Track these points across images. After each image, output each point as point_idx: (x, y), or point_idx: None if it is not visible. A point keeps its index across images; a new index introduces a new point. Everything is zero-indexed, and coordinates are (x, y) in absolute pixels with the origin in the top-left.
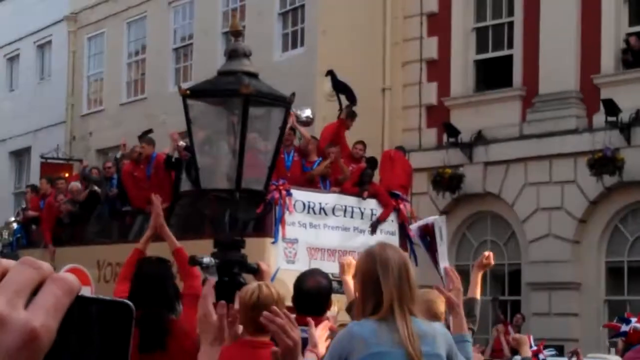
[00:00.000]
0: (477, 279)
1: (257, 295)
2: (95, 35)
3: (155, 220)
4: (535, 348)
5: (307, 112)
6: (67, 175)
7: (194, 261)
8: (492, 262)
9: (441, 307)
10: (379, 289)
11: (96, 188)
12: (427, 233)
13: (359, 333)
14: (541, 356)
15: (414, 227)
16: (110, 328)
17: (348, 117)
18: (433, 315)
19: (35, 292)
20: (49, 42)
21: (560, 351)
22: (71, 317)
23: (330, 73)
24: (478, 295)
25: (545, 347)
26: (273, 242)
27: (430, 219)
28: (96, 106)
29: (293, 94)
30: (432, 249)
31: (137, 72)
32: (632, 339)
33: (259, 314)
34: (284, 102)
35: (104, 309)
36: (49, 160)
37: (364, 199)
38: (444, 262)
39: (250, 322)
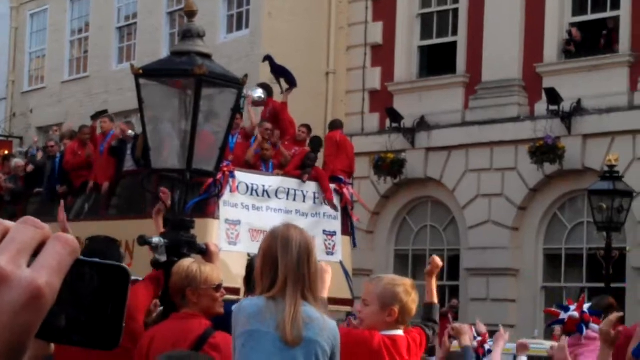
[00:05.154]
0: (431, 285)
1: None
2: (38, 11)
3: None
4: (480, 338)
5: (258, 92)
6: (6, 152)
7: (144, 241)
8: (439, 263)
9: (410, 305)
10: (277, 267)
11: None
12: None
13: (245, 308)
14: (487, 346)
15: None
16: (105, 291)
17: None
18: (389, 304)
19: (36, 252)
20: None
21: None
22: (66, 277)
23: (267, 58)
24: (436, 300)
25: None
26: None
27: None
28: (37, 83)
29: (246, 76)
30: None
31: (79, 50)
32: (569, 327)
33: (189, 289)
34: (237, 84)
35: (99, 272)
36: None
37: (303, 182)
38: None
39: (182, 296)
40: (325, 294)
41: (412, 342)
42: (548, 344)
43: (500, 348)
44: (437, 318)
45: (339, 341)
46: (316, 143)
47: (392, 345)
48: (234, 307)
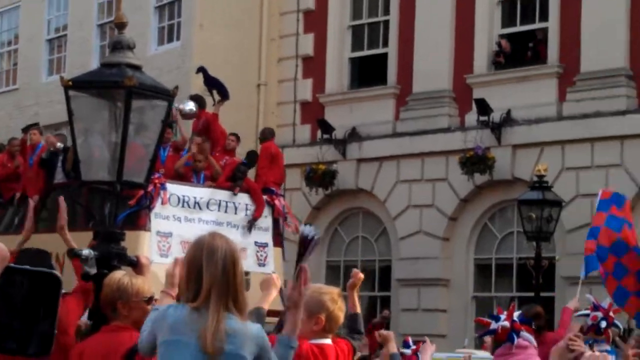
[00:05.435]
0: (353, 297)
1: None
2: None
3: (60, 220)
4: (414, 347)
5: (190, 105)
6: None
7: (73, 253)
8: (361, 276)
9: (337, 313)
10: (201, 276)
11: None
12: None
13: (169, 316)
14: (420, 354)
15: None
16: (36, 297)
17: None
18: (316, 313)
19: None
20: None
21: None
22: None
23: (201, 69)
24: (359, 310)
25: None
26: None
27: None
28: None
29: (176, 87)
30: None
31: (9, 62)
32: (500, 337)
33: (120, 301)
34: (167, 96)
35: (29, 279)
36: None
37: (235, 194)
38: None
39: (113, 309)
40: (267, 306)
41: (341, 352)
42: (481, 354)
43: (429, 358)
44: (362, 328)
45: (266, 341)
46: (252, 157)
47: (320, 353)
48: (159, 310)
